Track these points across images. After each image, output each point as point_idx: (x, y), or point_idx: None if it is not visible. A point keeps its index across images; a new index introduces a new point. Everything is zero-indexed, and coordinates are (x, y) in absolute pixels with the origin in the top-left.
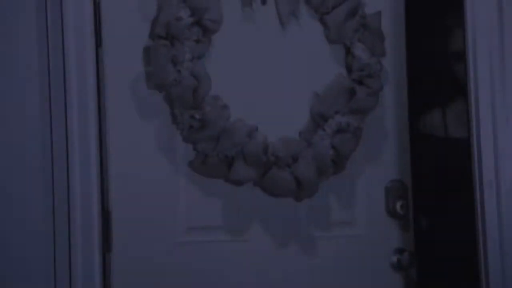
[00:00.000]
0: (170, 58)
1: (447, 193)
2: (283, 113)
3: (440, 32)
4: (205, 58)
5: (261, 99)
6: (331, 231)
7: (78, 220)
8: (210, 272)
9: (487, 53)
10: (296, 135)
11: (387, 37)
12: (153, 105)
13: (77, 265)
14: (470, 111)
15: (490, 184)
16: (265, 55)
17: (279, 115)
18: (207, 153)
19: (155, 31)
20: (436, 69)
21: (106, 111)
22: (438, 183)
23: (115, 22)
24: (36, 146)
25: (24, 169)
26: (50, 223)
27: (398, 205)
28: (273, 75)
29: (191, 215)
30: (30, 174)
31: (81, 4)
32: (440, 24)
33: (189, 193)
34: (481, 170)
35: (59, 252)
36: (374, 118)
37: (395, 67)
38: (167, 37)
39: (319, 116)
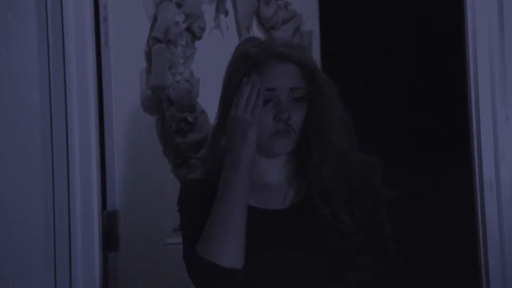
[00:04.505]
0: (168, 62)
1: None
2: None
3: None
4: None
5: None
6: None
7: (78, 220)
8: None
9: (487, 52)
10: None
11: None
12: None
13: (77, 265)
14: (470, 111)
15: (490, 184)
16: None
17: None
18: (189, 156)
19: (153, 34)
20: None
21: (107, 110)
22: None
23: (119, 20)
24: (36, 146)
25: (24, 169)
26: (50, 223)
27: None
28: None
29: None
30: (30, 174)
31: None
32: None
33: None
34: (481, 170)
35: (59, 252)
36: None
37: None
38: (164, 41)
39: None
